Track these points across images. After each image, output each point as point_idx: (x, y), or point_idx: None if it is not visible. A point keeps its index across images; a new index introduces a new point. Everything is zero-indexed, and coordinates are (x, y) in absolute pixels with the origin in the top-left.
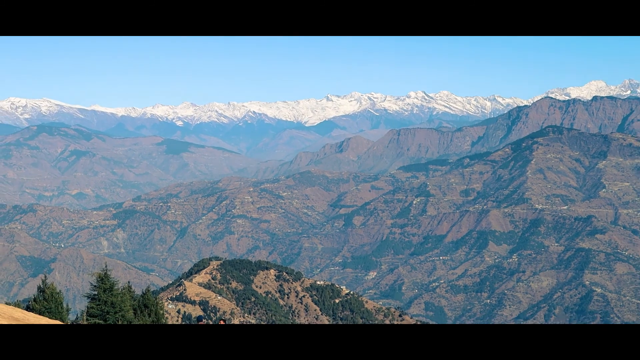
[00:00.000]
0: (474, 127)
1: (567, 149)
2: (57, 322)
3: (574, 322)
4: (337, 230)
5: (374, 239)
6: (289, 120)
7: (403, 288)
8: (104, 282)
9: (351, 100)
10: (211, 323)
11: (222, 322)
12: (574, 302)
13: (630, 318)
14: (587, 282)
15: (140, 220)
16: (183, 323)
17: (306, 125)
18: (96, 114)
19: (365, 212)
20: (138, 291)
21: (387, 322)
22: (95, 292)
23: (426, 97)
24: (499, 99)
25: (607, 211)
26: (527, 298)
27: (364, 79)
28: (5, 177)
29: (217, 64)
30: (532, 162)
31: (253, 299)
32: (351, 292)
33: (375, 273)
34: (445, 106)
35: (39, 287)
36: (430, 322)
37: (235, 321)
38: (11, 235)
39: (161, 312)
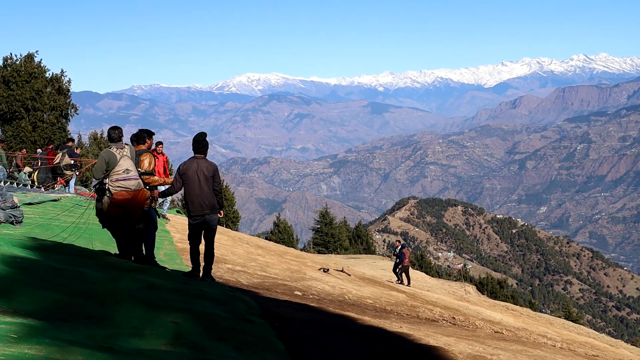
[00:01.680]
0: (630, 83)
1: None
2: (291, 248)
3: None
4: (513, 173)
5: (544, 180)
6: (470, 83)
7: (570, 220)
8: (325, 217)
9: (522, 65)
10: (410, 250)
11: (407, 251)
12: None
13: None
14: None
15: (352, 168)
16: (388, 250)
17: (485, 87)
18: (314, 83)
19: (536, 157)
20: (352, 224)
21: (556, 248)
22: (319, 226)
23: (587, 59)
24: None
25: None
26: None
27: (533, 46)
28: (245, 136)
29: (410, 37)
30: None
31: (444, 230)
32: (525, 224)
33: (545, 208)
34: (604, 66)
35: (274, 222)
36: (594, 249)
37: (430, 248)
38: (251, 182)
39: (370, 241)
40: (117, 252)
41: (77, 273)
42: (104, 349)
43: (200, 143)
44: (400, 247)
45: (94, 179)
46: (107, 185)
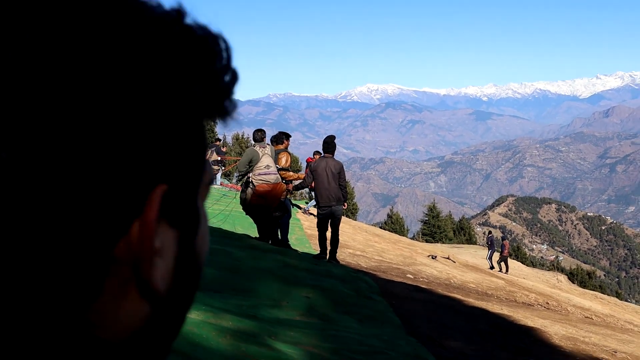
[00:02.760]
0: None
1: None
2: (403, 237)
3: None
4: (604, 176)
5: (633, 182)
6: (566, 94)
7: None
8: (432, 211)
9: (616, 78)
10: (508, 244)
11: (507, 243)
12: None
13: None
14: None
15: (457, 168)
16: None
17: (580, 97)
18: (425, 93)
19: (626, 162)
20: (456, 218)
21: None
22: (427, 218)
23: None
24: None
25: None
26: None
27: (626, 60)
28: (364, 139)
29: (512, 51)
30: None
31: (539, 225)
32: (614, 221)
33: (633, 208)
34: None
35: (388, 214)
36: None
37: (525, 241)
38: (368, 179)
39: (472, 233)
40: (257, 236)
41: (225, 252)
42: (249, 316)
43: (329, 144)
44: (491, 236)
45: (236, 172)
46: (250, 178)
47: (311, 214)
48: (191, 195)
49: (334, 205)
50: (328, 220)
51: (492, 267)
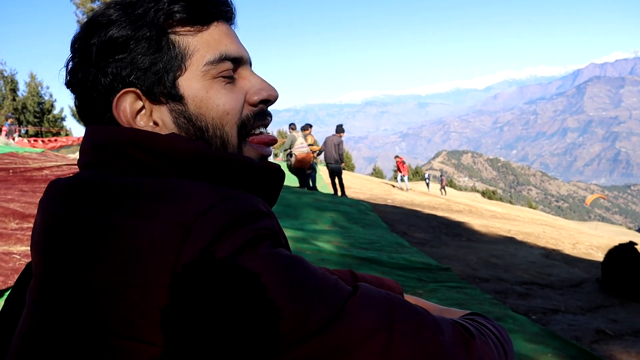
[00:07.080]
0: (557, 81)
1: None
2: (383, 180)
3: None
4: (496, 133)
5: (513, 136)
6: (470, 88)
7: (529, 156)
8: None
9: (499, 75)
10: (446, 177)
11: (444, 178)
12: None
13: None
14: None
15: (411, 137)
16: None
17: (478, 89)
18: (388, 95)
19: (508, 124)
20: (412, 166)
21: (522, 171)
22: (395, 168)
23: (532, 69)
24: None
25: None
26: None
27: (505, 63)
28: (354, 125)
29: (439, 63)
30: None
31: (462, 167)
32: (505, 160)
33: (515, 151)
34: (542, 73)
35: (373, 168)
36: (542, 171)
37: (455, 176)
38: (359, 149)
39: (423, 174)
40: (298, 185)
41: (281, 196)
42: (299, 229)
43: (339, 128)
44: (427, 175)
45: (282, 150)
46: (292, 151)
47: (401, 189)
48: None
49: (334, 163)
50: (334, 174)
51: (438, 191)
